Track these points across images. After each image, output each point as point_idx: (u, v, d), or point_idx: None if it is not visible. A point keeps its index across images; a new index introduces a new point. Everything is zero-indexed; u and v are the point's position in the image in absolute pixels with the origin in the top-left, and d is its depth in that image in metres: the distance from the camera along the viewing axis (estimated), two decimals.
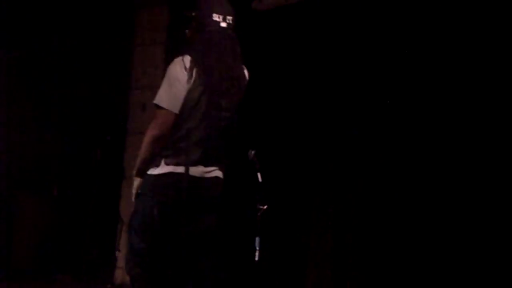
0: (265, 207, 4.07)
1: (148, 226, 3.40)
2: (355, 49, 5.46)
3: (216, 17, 3.34)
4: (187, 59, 3.30)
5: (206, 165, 3.38)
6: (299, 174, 5.73)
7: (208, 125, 3.33)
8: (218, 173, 3.47)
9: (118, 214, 6.78)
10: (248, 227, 4.25)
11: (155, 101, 3.33)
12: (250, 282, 4.40)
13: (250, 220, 4.14)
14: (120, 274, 6.85)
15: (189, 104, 3.29)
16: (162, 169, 3.33)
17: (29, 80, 7.33)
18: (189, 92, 3.28)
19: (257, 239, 4.09)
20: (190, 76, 3.26)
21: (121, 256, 6.63)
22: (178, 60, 3.36)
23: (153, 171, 3.35)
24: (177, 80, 3.27)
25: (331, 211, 5.53)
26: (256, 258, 4.11)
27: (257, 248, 4.10)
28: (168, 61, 6.14)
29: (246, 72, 3.53)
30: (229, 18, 3.39)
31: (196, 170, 3.34)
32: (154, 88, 6.47)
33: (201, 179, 3.37)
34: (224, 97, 3.38)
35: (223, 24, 3.35)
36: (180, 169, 3.30)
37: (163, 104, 3.28)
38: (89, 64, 7.27)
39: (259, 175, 4.07)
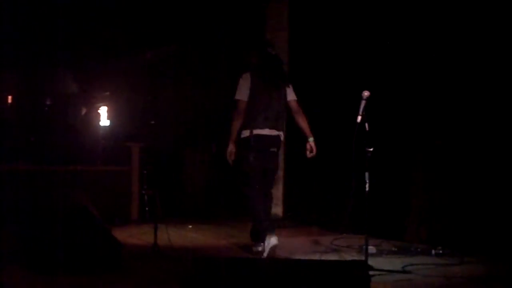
0: (372, 149, 4.99)
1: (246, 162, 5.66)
2: None
3: None
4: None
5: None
6: (402, 125, 6.56)
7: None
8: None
9: None
10: (360, 166, 5.05)
11: None
12: (363, 207, 4.99)
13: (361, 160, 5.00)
14: None
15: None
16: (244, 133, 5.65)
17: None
18: None
19: (367, 174, 5.01)
20: None
21: None
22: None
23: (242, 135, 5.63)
24: None
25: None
26: (367, 189, 5.01)
27: (367, 181, 5.01)
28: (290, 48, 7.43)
29: None
30: None
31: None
32: None
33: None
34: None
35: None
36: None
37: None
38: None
39: (366, 124, 4.97)
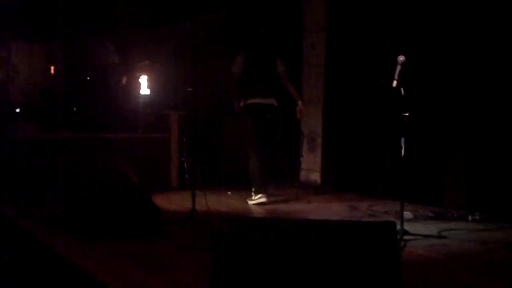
0: (407, 114, 4.91)
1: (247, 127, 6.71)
2: None
3: None
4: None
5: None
6: (439, 88, 6.45)
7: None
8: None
9: (300, 130, 8.02)
10: (395, 131, 4.96)
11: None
12: (398, 172, 4.92)
13: (396, 124, 4.92)
14: (304, 174, 8.24)
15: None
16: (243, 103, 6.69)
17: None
18: None
19: (402, 139, 4.93)
20: None
21: (303, 161, 8.05)
22: None
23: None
24: None
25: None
26: (402, 154, 4.93)
27: (402, 146, 4.93)
28: (329, 13, 7.41)
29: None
30: None
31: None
32: (319, 32, 7.81)
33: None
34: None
35: None
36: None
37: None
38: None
39: (402, 89, 4.88)
